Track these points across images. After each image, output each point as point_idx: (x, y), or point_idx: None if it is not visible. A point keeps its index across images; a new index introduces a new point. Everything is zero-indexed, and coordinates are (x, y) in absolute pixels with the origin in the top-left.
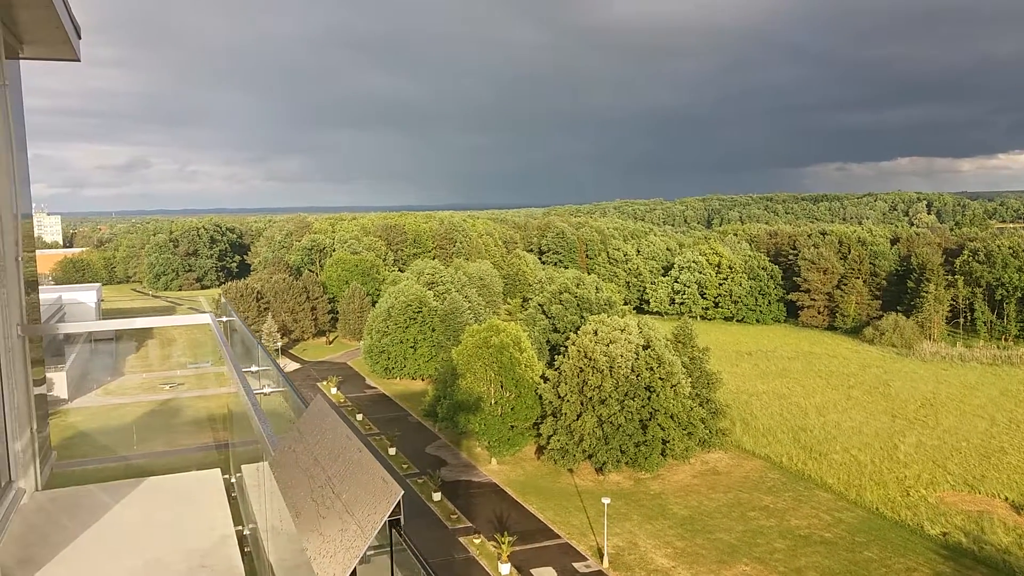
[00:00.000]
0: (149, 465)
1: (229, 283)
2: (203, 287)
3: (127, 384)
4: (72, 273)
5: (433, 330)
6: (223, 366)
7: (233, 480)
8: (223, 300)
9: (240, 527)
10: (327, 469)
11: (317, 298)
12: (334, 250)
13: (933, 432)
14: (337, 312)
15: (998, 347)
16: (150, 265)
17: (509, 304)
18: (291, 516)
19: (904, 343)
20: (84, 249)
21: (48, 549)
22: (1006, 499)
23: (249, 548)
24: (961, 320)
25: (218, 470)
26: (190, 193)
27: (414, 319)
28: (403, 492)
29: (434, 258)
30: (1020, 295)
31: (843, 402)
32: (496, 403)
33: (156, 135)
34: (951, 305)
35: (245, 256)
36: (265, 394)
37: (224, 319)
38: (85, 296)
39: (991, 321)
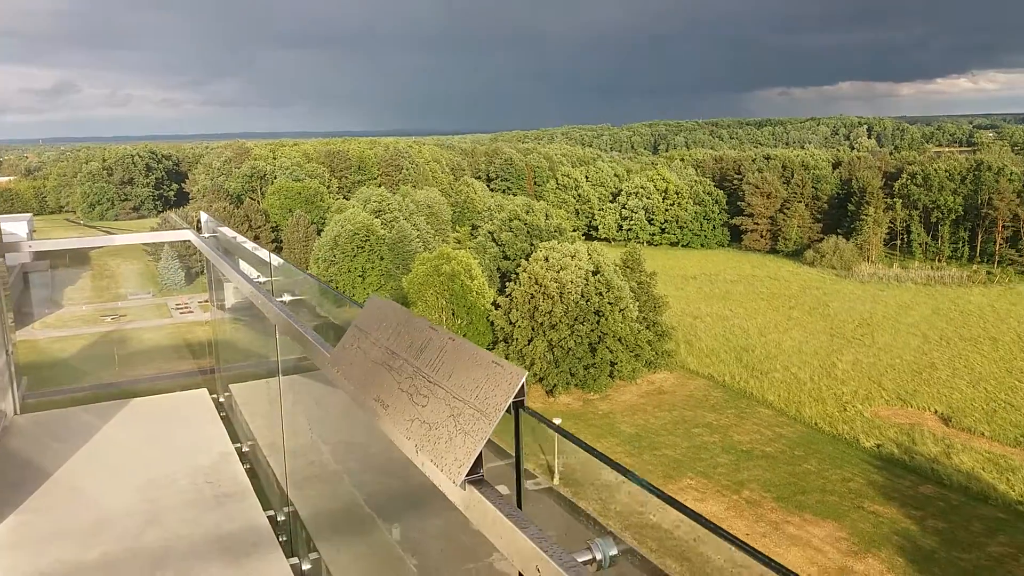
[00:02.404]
0: (127, 391)
1: (167, 212)
2: (140, 216)
3: (66, 317)
4: None
5: (382, 259)
6: (168, 296)
7: (221, 399)
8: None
9: (238, 444)
10: (413, 361)
11: (259, 227)
12: (275, 177)
13: (869, 350)
14: (281, 241)
15: (932, 268)
16: (84, 194)
17: (458, 232)
18: (372, 410)
19: (843, 265)
20: (11, 178)
21: (40, 471)
22: (935, 412)
23: (249, 465)
24: (898, 242)
25: (204, 390)
26: (122, 119)
27: (361, 248)
28: (527, 373)
29: (380, 185)
30: (955, 217)
31: (784, 323)
32: (445, 319)
33: (83, 57)
34: (889, 227)
35: (183, 184)
36: (285, 302)
37: (207, 235)
38: (15, 227)
39: (926, 243)
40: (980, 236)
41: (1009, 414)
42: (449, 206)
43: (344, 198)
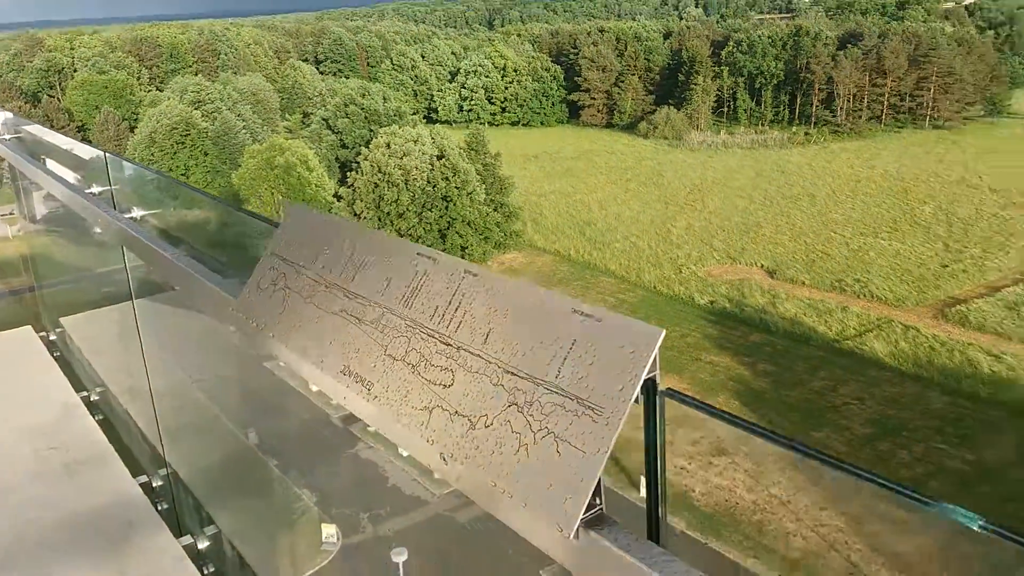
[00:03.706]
0: None
1: None
2: None
3: None
4: None
5: (206, 154)
6: None
7: (52, 337)
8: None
9: (84, 393)
10: (402, 311)
11: (63, 127)
12: (75, 71)
13: (700, 215)
14: (90, 142)
15: (756, 132)
16: None
17: (289, 120)
18: (341, 392)
19: (675, 135)
20: None
21: None
22: (761, 267)
23: (102, 416)
24: (725, 109)
25: (28, 327)
26: None
27: (182, 143)
28: (663, 332)
29: (197, 74)
30: (776, 82)
31: (622, 195)
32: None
33: None
34: (717, 95)
35: None
36: (136, 219)
37: (8, 137)
38: None
39: (751, 108)
40: (799, 99)
41: (825, 263)
42: (276, 93)
43: (157, 90)
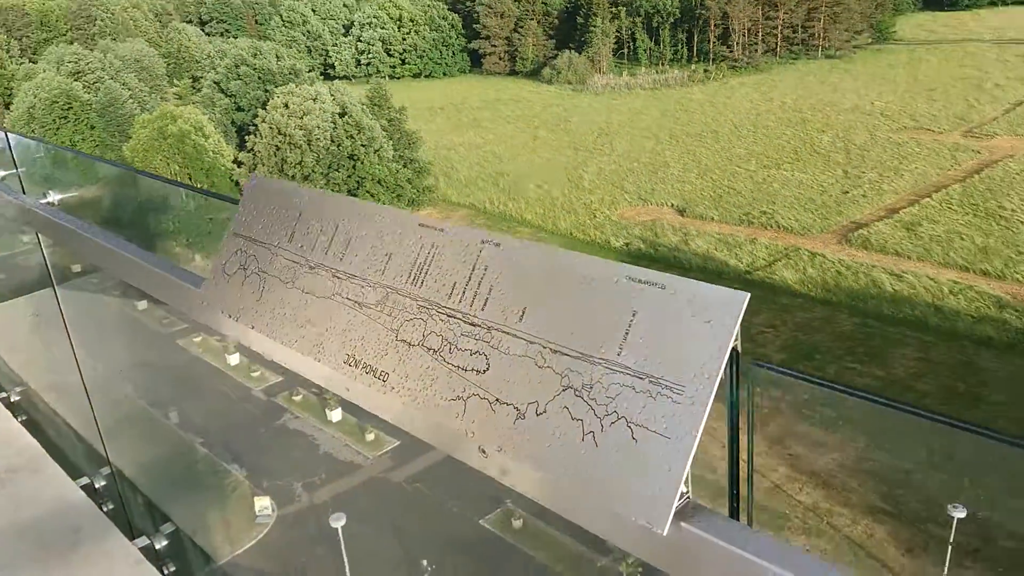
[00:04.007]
0: None
1: None
2: None
3: None
4: None
5: (92, 128)
6: None
7: None
8: None
9: (3, 393)
10: (411, 290)
11: None
12: None
13: (610, 158)
14: None
15: (657, 72)
16: None
17: (177, 86)
18: (343, 384)
19: (578, 79)
20: None
21: None
22: (672, 206)
23: (26, 417)
24: (625, 50)
25: None
26: None
27: (65, 118)
28: (747, 296)
29: (72, 42)
30: (673, 21)
31: (531, 143)
32: (188, 196)
33: None
34: (616, 37)
35: None
36: (53, 204)
37: None
38: None
39: (650, 48)
40: (696, 37)
41: (732, 197)
42: (161, 58)
43: (31, 61)
